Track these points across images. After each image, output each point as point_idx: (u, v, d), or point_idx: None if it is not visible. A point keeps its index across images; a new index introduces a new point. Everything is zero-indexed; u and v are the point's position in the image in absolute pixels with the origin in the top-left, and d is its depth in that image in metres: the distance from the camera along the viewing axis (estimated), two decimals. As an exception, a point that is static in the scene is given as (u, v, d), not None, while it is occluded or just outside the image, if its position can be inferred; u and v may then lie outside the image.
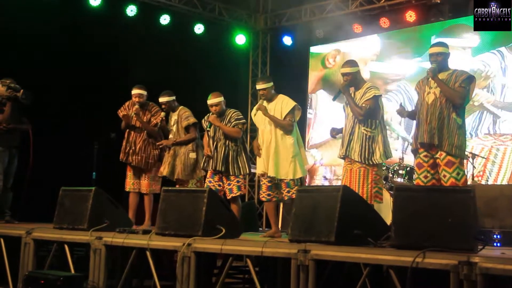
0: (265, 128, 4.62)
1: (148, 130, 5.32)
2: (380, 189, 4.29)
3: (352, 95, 4.31)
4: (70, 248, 4.32)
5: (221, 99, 4.83)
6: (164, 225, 3.94)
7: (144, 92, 5.37)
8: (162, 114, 5.32)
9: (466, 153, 6.16)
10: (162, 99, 5.24)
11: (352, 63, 4.41)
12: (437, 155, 3.94)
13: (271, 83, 4.63)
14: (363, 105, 4.22)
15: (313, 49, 8.59)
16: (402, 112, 4.28)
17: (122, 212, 4.58)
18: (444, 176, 3.88)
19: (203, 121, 4.95)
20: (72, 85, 6.56)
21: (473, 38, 7.05)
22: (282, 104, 4.58)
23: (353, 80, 4.32)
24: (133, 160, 5.31)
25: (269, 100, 4.63)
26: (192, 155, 5.13)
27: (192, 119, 5.16)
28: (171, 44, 7.45)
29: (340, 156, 4.39)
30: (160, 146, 5.25)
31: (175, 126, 5.21)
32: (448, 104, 3.93)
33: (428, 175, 3.95)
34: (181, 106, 5.28)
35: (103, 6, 7.28)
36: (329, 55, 8.43)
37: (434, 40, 7.02)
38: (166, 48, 7.34)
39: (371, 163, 4.19)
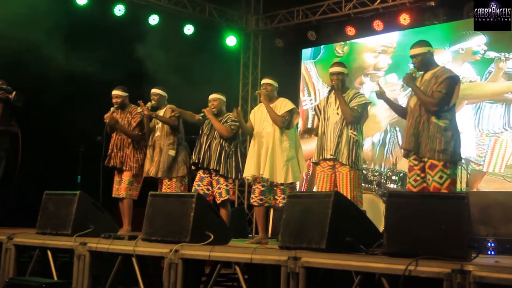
0: (263, 130, 4.60)
1: (127, 135, 5.19)
2: (361, 193, 4.30)
3: None
4: (53, 254, 4.25)
5: (222, 97, 4.90)
6: (151, 231, 3.89)
7: (123, 93, 5.25)
8: (145, 105, 5.06)
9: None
10: (154, 90, 5.19)
11: (342, 64, 4.45)
12: (424, 158, 3.81)
13: (276, 85, 4.69)
14: (355, 107, 4.25)
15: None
16: (381, 93, 4.06)
17: (107, 217, 4.51)
18: (428, 179, 3.77)
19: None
20: (58, 86, 6.44)
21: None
22: (281, 105, 4.60)
23: (343, 81, 4.34)
24: (118, 163, 5.19)
25: (270, 100, 4.63)
26: (171, 153, 5.02)
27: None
28: (160, 45, 7.35)
29: (316, 160, 4.34)
30: (141, 112, 5.03)
31: (160, 123, 5.14)
32: None
33: (418, 178, 3.82)
34: (169, 104, 5.22)
35: (90, 5, 7.16)
36: (336, 45, 8.37)
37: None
38: (155, 49, 7.23)
39: (356, 168, 4.22)
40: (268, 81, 4.65)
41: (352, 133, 4.22)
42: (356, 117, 4.22)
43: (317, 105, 4.52)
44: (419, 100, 3.81)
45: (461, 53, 7.25)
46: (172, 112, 5.04)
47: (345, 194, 4.11)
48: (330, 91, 4.39)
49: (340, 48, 8.24)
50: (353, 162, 4.17)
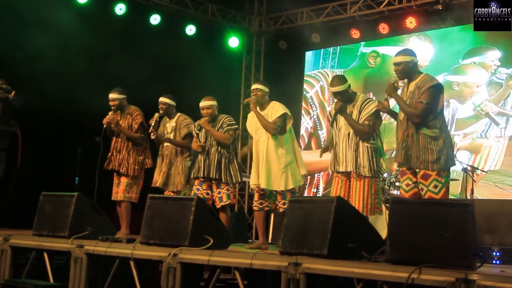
0: (259, 138, 4.52)
1: (128, 136, 5.09)
2: (380, 200, 4.20)
3: (347, 111, 4.16)
4: (50, 256, 4.21)
5: (214, 103, 4.76)
6: (149, 234, 3.85)
7: (119, 96, 5.12)
8: (156, 115, 5.02)
9: (465, 165, 6.00)
10: (162, 99, 5.07)
11: (341, 79, 4.22)
12: (416, 169, 3.74)
13: (267, 89, 4.58)
14: (366, 122, 4.09)
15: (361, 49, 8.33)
16: (382, 106, 4.00)
17: (105, 220, 4.48)
18: (422, 189, 3.70)
19: (193, 125, 4.86)
20: (56, 86, 6.37)
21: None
22: (273, 110, 4.51)
23: (345, 96, 4.17)
24: (116, 166, 5.11)
25: (261, 106, 4.55)
26: (188, 164, 4.96)
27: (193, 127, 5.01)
28: (161, 45, 7.29)
29: (333, 170, 4.25)
30: (153, 138, 4.99)
31: (172, 133, 5.05)
32: None
33: (410, 183, 3.76)
34: (179, 113, 5.11)
35: (91, 3, 7.10)
36: (369, 56, 8.19)
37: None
38: (156, 49, 7.17)
39: (378, 175, 4.13)
40: (258, 86, 4.54)
41: (367, 143, 4.09)
42: (370, 133, 4.08)
43: (329, 112, 4.39)
44: (402, 111, 3.78)
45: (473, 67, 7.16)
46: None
47: (357, 201, 4.05)
48: (334, 118, 4.23)
49: (372, 59, 8.09)
50: (375, 171, 4.07)
